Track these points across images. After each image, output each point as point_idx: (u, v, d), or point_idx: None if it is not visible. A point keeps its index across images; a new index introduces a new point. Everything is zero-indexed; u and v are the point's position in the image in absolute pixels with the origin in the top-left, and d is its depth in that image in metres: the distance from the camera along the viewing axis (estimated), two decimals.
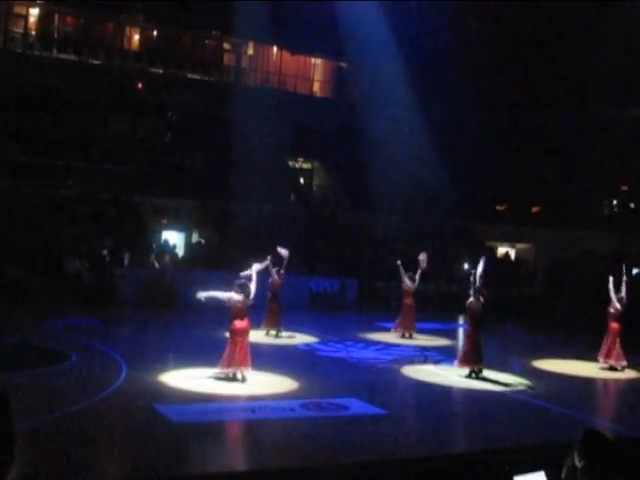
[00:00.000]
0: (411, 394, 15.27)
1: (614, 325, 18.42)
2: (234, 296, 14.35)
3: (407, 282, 22.14)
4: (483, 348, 16.43)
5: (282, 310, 21.32)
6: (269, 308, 20.98)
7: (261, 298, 18.99)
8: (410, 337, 21.92)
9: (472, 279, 16.52)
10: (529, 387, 15.79)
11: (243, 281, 14.59)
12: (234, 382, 14.20)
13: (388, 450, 10.93)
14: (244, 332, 14.50)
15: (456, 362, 16.70)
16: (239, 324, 14.39)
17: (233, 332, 14.41)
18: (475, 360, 16.28)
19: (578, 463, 3.91)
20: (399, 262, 22.11)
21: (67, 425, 11.01)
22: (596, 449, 3.94)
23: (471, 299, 16.42)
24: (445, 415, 14.25)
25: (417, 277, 22.06)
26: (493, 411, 13.96)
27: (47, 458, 9.50)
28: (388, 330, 22.49)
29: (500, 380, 16.17)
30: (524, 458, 10.75)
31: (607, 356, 18.48)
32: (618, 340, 18.37)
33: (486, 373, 16.42)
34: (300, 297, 27.86)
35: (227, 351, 14.31)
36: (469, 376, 16.22)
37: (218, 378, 14.26)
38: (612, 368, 18.40)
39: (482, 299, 16.38)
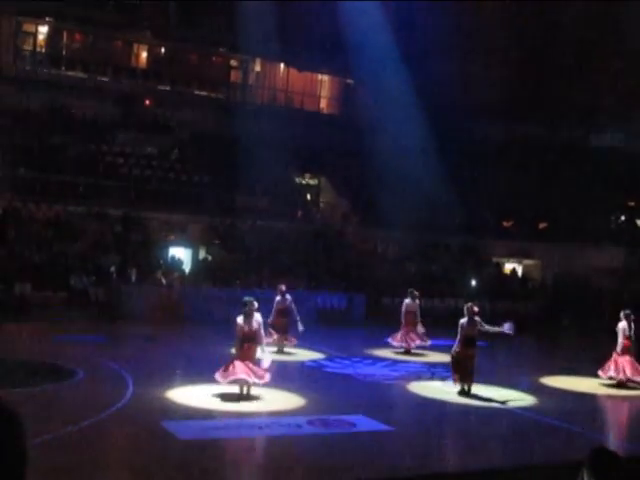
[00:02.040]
0: (418, 411, 15.21)
1: (626, 342, 18.34)
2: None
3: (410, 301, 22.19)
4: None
5: (283, 326, 21.14)
6: (275, 323, 20.92)
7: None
8: (408, 352, 21.90)
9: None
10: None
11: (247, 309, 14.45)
12: (243, 399, 14.18)
13: (395, 467, 10.88)
14: None
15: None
16: None
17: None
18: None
19: None
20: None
21: (74, 442, 10.99)
22: (605, 467, 3.91)
23: (466, 320, 16.19)
24: (453, 432, 14.20)
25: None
26: (501, 428, 13.90)
27: (53, 476, 9.47)
28: (395, 347, 22.36)
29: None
30: (531, 476, 10.71)
31: (606, 370, 18.39)
32: (628, 356, 18.28)
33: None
34: (307, 313, 27.78)
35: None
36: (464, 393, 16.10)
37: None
38: (620, 384, 18.34)
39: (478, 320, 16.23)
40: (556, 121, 39.48)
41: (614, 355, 18.29)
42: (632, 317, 18.49)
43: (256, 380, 14.12)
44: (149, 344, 21.54)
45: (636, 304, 30.92)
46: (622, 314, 18.63)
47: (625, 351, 18.27)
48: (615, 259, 35.78)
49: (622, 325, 18.42)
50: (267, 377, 14.25)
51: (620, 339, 18.31)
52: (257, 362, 14.39)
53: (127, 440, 11.83)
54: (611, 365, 18.29)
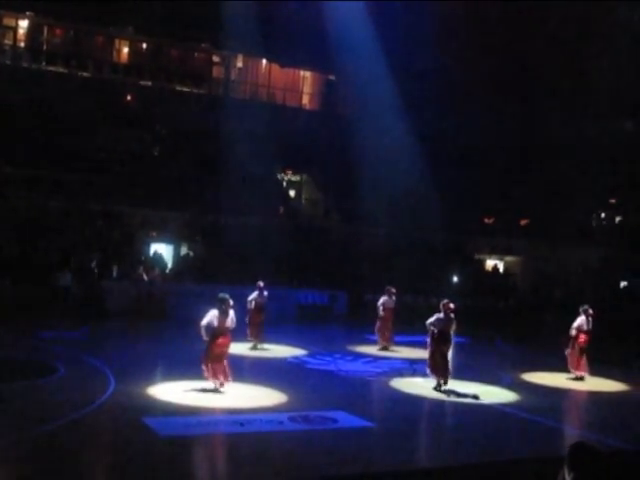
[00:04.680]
0: (399, 407, 15.22)
1: (583, 337, 18.64)
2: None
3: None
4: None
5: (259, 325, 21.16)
6: (253, 319, 20.92)
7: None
8: (386, 349, 21.99)
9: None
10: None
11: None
12: (220, 394, 14.19)
13: (376, 463, 10.89)
14: None
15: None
16: None
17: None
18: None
19: (568, 476, 3.91)
20: None
21: (54, 439, 10.92)
22: (585, 462, 3.94)
23: (441, 315, 16.25)
24: (434, 428, 14.24)
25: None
26: (482, 424, 13.93)
27: (33, 473, 9.43)
28: (376, 343, 22.48)
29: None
30: (513, 471, 10.76)
31: (578, 367, 18.69)
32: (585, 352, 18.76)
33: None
34: (289, 310, 27.84)
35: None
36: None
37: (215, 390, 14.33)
38: (579, 378, 18.61)
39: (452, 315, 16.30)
40: (538, 119, 39.60)
41: (577, 352, 18.62)
42: (590, 312, 18.74)
43: (211, 380, 14.31)
44: (130, 340, 21.48)
45: (615, 301, 31.23)
46: (580, 309, 18.88)
47: (583, 347, 18.59)
48: (596, 256, 35.98)
49: (580, 320, 18.66)
50: (222, 379, 14.31)
51: (573, 332, 18.60)
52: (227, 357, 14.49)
53: (108, 437, 11.76)
54: (582, 362, 18.64)
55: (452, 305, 16.36)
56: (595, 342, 19.40)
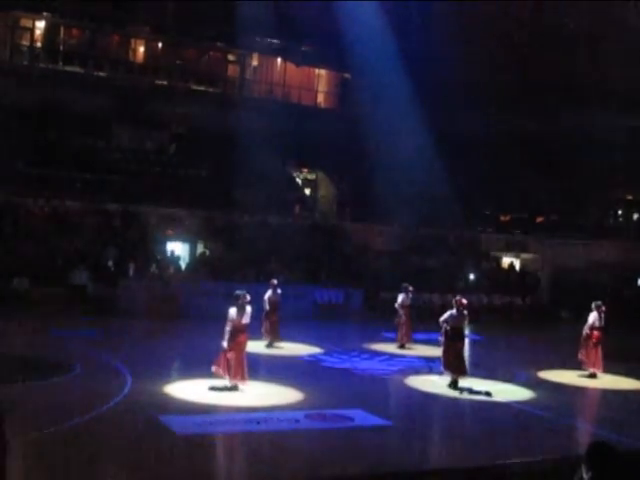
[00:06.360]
0: (416, 405, 15.20)
1: (596, 334, 18.55)
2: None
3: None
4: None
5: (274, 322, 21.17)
6: (269, 318, 20.93)
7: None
8: (403, 347, 21.96)
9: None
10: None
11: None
12: (237, 392, 14.21)
13: (393, 462, 10.87)
14: None
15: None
16: None
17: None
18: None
19: (585, 475, 3.89)
20: None
21: (71, 437, 10.97)
22: (603, 461, 3.91)
23: (454, 312, 16.20)
24: (451, 427, 14.19)
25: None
26: (499, 423, 13.89)
27: (50, 472, 9.47)
28: (393, 341, 22.45)
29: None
30: (530, 470, 10.71)
31: (593, 365, 18.61)
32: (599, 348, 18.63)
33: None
34: (305, 308, 27.84)
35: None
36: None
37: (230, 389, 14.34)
38: (592, 375, 18.51)
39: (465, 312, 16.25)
40: (554, 114, 39.41)
41: (592, 349, 18.51)
42: (602, 308, 18.62)
43: (230, 379, 14.25)
44: (146, 338, 21.54)
45: (633, 298, 31.05)
46: (593, 305, 18.74)
47: (597, 343, 18.48)
48: (613, 253, 35.77)
49: (593, 317, 18.55)
50: (240, 378, 14.29)
51: (587, 330, 18.48)
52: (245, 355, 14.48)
53: (124, 435, 11.77)
54: (597, 359, 18.55)
55: (464, 301, 16.32)
56: (611, 339, 19.31)
